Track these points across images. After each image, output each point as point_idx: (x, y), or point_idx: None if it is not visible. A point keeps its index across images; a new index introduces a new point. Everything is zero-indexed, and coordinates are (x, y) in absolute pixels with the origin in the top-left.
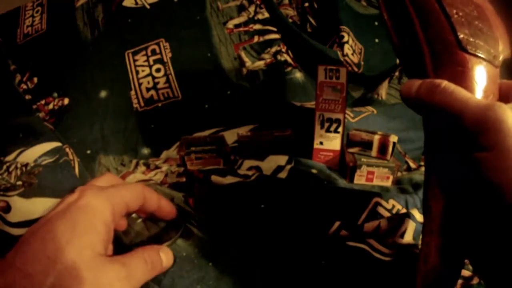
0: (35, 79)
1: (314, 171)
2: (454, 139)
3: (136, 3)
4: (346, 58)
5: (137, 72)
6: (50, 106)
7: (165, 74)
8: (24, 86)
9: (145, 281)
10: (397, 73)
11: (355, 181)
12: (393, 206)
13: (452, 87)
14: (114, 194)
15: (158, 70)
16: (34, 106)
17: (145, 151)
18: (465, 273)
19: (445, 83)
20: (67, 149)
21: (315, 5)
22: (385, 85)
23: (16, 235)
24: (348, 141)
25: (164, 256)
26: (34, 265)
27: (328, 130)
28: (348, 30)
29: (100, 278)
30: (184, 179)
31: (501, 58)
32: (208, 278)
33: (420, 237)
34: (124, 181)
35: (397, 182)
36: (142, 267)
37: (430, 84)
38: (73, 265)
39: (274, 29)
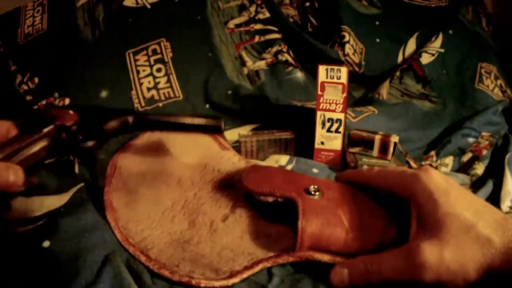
0: (36, 80)
1: (315, 170)
2: None
3: (137, 3)
4: (347, 57)
5: (138, 72)
6: None
7: (166, 74)
8: (25, 87)
9: None
10: (398, 73)
11: None
12: None
13: None
14: None
15: (159, 70)
16: (35, 107)
17: None
18: None
19: None
20: None
21: (316, 5)
22: (386, 85)
23: None
24: (349, 141)
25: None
26: None
27: (329, 130)
28: (349, 30)
29: None
30: None
31: None
32: None
33: None
34: None
35: None
36: None
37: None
38: None
39: (275, 28)
